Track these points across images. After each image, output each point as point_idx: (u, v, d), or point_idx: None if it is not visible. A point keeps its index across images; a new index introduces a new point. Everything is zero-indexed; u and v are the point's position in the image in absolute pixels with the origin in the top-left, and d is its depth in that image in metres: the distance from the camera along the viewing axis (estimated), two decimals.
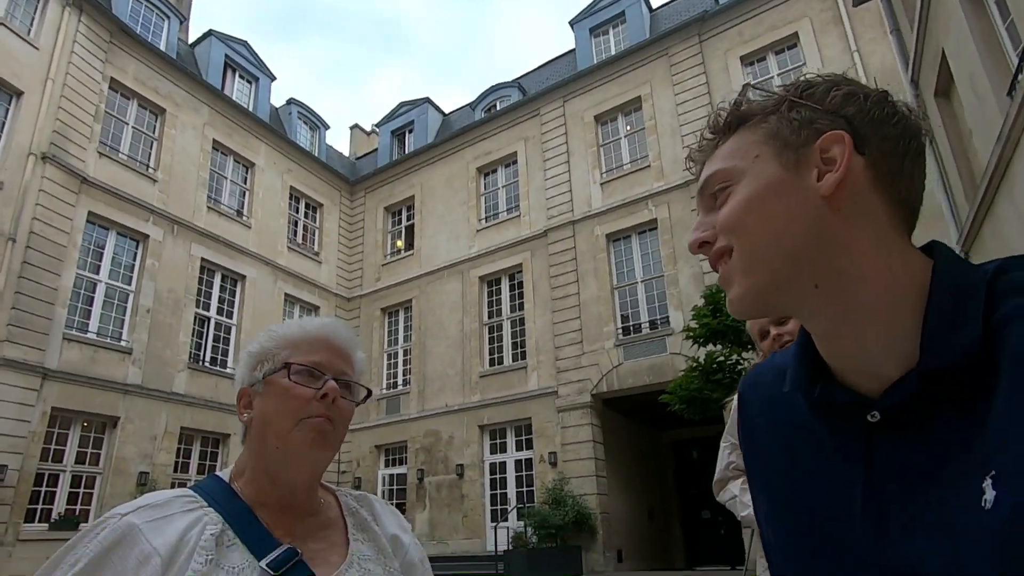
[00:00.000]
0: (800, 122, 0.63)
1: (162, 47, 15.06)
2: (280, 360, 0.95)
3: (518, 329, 15.38)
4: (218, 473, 0.97)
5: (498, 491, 14.33)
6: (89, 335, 12.20)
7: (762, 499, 0.74)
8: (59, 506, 11.16)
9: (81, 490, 11.57)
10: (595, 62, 16.19)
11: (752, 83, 0.70)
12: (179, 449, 13.20)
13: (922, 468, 0.56)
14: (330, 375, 0.95)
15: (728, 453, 2.19)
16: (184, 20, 17.00)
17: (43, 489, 11.02)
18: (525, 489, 13.95)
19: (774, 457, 0.72)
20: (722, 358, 9.30)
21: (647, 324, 13.54)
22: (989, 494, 0.50)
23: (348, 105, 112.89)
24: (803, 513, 0.67)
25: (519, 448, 14.42)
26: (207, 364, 14.19)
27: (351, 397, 0.99)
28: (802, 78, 0.66)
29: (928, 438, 0.56)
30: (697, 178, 0.70)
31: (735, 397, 2.18)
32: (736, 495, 2.11)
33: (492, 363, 15.47)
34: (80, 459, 11.70)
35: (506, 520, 13.42)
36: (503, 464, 14.50)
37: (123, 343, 12.66)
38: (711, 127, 0.69)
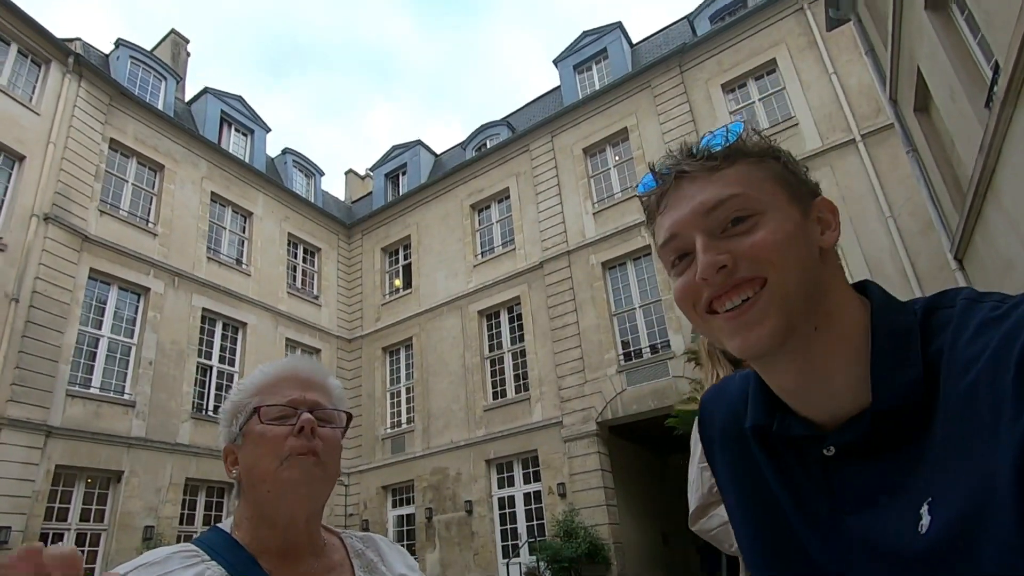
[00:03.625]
0: (800, 178, 0.68)
1: (160, 107, 15.43)
2: (250, 408, 0.95)
3: (519, 361, 15.37)
4: (219, 525, 0.95)
5: (508, 526, 14.11)
6: (92, 390, 12.18)
7: (735, 508, 0.78)
8: None
9: (86, 548, 11.37)
10: (580, 97, 16.58)
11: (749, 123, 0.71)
12: (184, 500, 13.03)
13: (871, 495, 0.61)
14: (303, 409, 0.94)
15: (709, 476, 2.00)
16: (180, 79, 17.46)
17: None
18: (535, 522, 13.74)
19: (738, 476, 0.76)
20: None
21: (648, 349, 13.57)
22: (925, 519, 0.54)
23: (342, 145, 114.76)
24: (769, 530, 0.72)
25: (527, 481, 14.27)
26: (210, 413, 14.12)
27: (335, 424, 0.98)
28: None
29: (876, 468, 0.61)
30: (660, 192, 0.69)
31: None
32: (728, 521, 1.98)
33: (495, 396, 15.42)
34: (84, 516, 11.54)
35: (518, 556, 13.20)
36: (512, 498, 14.31)
37: (126, 396, 12.64)
38: (706, 152, 0.68)
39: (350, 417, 1.03)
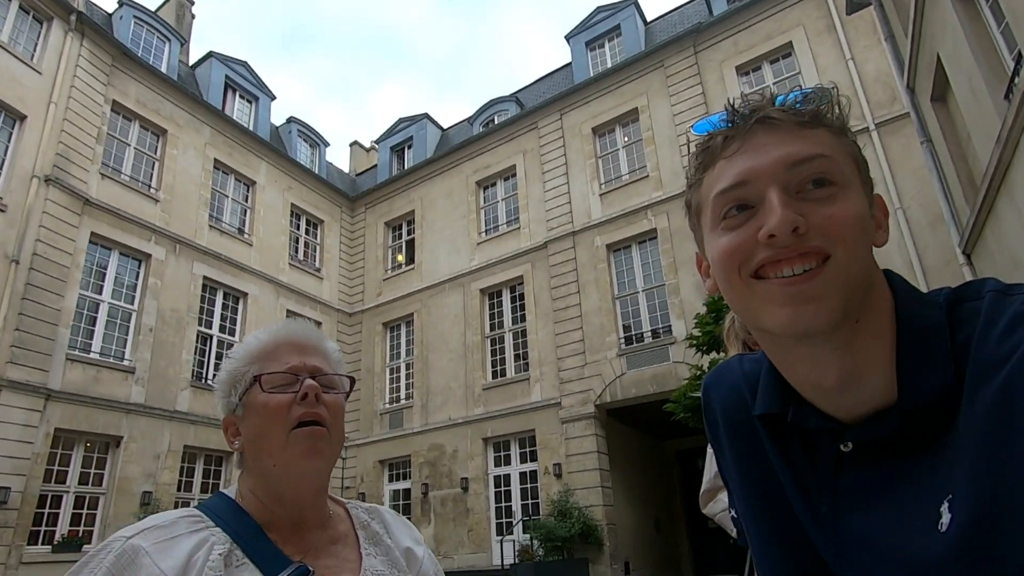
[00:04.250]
0: (867, 169, 0.64)
1: (163, 69, 15.21)
2: (250, 377, 0.92)
3: (520, 341, 15.36)
4: (224, 491, 0.94)
5: (503, 504, 14.23)
6: (92, 355, 12.19)
7: (739, 496, 0.76)
8: (62, 528, 11.08)
9: (84, 511, 11.50)
10: (591, 75, 16.31)
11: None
12: (182, 468, 13.13)
13: (886, 493, 0.59)
14: (305, 375, 0.91)
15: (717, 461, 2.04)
16: (185, 42, 17.18)
17: (46, 511, 10.95)
18: (530, 501, 13.85)
19: (743, 461, 0.73)
20: None
21: (649, 333, 13.52)
22: (945, 517, 0.53)
23: (348, 121, 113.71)
24: (774, 518, 0.70)
25: (523, 460, 14.35)
26: (210, 382, 14.16)
27: (337, 390, 0.95)
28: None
29: (893, 466, 0.59)
30: (730, 134, 0.62)
31: None
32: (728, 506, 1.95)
33: (495, 375, 15.44)
34: (83, 480, 11.64)
35: (512, 533, 13.31)
36: (507, 477, 14.41)
37: (126, 362, 12.66)
38: (795, 104, 0.62)
39: (353, 381, 1.00)
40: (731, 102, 0.64)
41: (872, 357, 0.59)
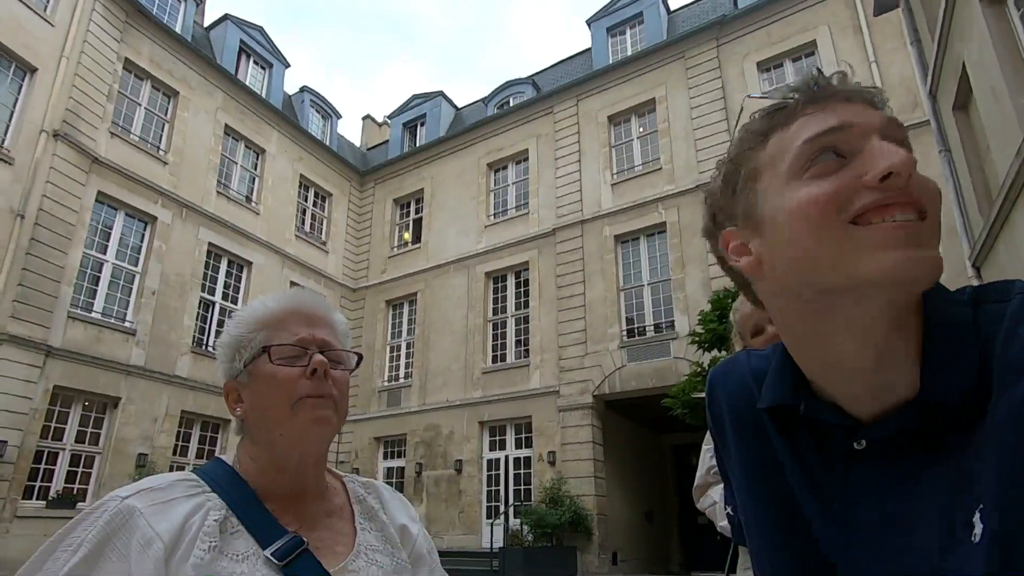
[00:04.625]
0: None
1: (178, 29, 15.04)
2: (258, 344, 0.90)
3: (522, 327, 15.34)
4: (221, 456, 0.92)
5: (495, 488, 14.31)
6: (94, 315, 12.21)
7: (742, 493, 0.73)
8: (57, 484, 11.18)
9: (80, 469, 11.59)
10: (611, 62, 16.12)
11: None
12: (179, 432, 13.21)
13: (897, 493, 0.57)
14: (314, 348, 0.90)
15: (710, 457, 2.03)
16: (200, 3, 16.99)
17: (42, 466, 11.04)
18: (523, 487, 13.92)
19: (747, 456, 0.71)
20: None
21: (652, 327, 13.48)
22: (978, 528, 0.50)
23: (360, 95, 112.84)
24: (778, 515, 0.67)
25: (518, 446, 14.39)
26: (210, 349, 14.19)
27: (344, 365, 0.94)
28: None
29: (908, 466, 0.57)
30: (816, 96, 0.61)
31: None
32: (716, 502, 1.99)
33: (495, 360, 15.44)
34: (80, 438, 11.71)
35: (502, 518, 13.40)
36: (500, 461, 14.48)
37: (127, 324, 12.68)
38: (867, 92, 0.61)
39: (360, 358, 1.00)
40: (816, 68, 0.63)
41: (899, 348, 0.57)
